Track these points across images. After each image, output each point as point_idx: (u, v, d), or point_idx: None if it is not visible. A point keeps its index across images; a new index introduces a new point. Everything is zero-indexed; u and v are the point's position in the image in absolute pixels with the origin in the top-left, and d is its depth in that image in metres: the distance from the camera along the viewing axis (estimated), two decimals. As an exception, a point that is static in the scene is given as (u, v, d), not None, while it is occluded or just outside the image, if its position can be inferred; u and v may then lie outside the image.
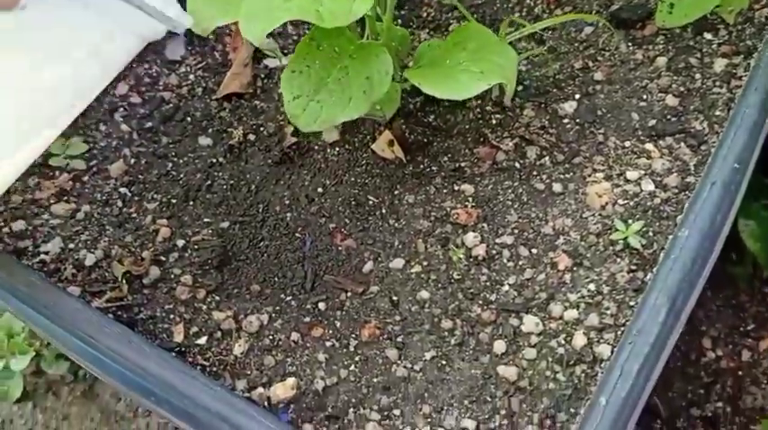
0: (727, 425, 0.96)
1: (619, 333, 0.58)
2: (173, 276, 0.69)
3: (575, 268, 0.64)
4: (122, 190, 0.76)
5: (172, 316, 0.67)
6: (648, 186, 0.68)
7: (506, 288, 0.65)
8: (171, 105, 0.82)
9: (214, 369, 0.63)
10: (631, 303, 0.60)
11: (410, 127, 0.78)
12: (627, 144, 0.72)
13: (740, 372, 1.00)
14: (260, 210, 0.74)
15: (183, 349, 0.64)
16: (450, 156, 0.75)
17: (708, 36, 0.78)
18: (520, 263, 0.66)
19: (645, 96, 0.76)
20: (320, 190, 0.75)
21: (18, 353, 1.14)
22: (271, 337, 0.65)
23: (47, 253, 0.71)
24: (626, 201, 0.68)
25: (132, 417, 1.09)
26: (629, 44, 0.80)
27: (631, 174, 0.69)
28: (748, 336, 1.02)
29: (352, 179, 0.75)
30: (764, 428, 0.94)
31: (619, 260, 0.63)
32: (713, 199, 0.59)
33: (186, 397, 0.56)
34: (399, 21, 0.85)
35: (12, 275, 0.65)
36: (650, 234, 0.64)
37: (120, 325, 0.61)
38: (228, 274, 0.70)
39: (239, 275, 0.70)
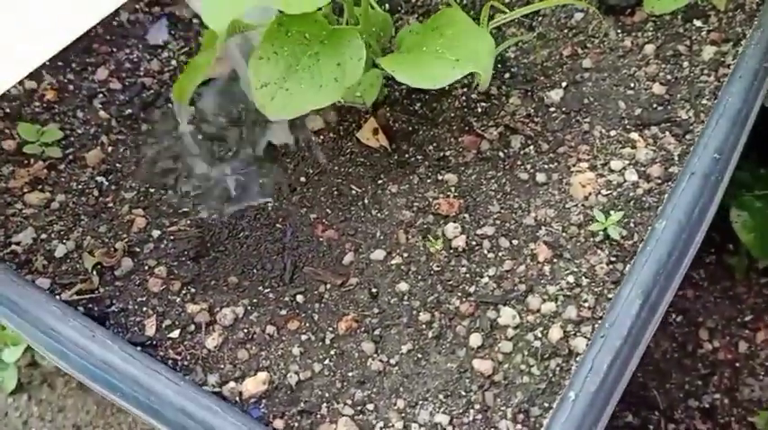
0: (725, 416, 0.96)
1: (596, 326, 0.56)
2: (146, 268, 0.68)
3: (555, 260, 0.63)
4: (99, 179, 0.75)
5: (144, 309, 0.66)
6: (632, 176, 0.66)
7: (486, 280, 0.63)
8: (152, 91, 0.81)
9: (186, 363, 0.62)
10: (610, 295, 0.58)
11: (395, 115, 0.76)
12: (612, 133, 0.71)
13: (737, 364, 0.99)
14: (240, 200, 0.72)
15: (155, 343, 0.63)
16: (435, 145, 0.74)
17: (697, 23, 0.76)
18: (500, 254, 0.64)
19: (632, 84, 0.74)
20: (303, 179, 0.73)
21: (11, 344, 1.14)
22: (245, 331, 0.64)
23: (18, 243, 0.70)
24: (609, 192, 0.66)
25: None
26: (619, 31, 0.79)
27: (615, 164, 0.68)
28: (745, 328, 1.01)
29: (336, 168, 0.73)
30: (762, 420, 0.93)
31: (599, 251, 0.62)
32: (692, 190, 0.58)
33: (152, 393, 0.55)
34: (387, 5, 0.84)
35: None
36: (631, 225, 0.63)
37: (85, 318, 0.60)
38: (205, 266, 0.68)
39: (216, 267, 0.68)
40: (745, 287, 1.04)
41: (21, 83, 0.81)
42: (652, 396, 0.97)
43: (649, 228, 0.61)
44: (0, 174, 0.74)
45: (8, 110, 0.79)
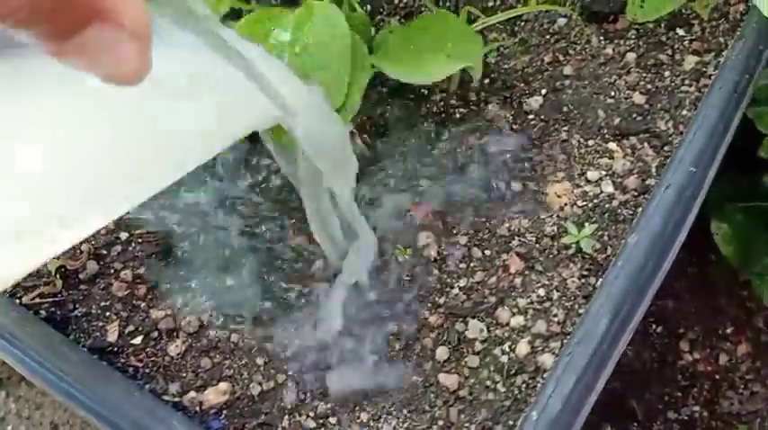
0: (704, 429, 0.94)
1: (564, 342, 0.55)
2: (112, 271, 0.67)
3: (526, 272, 0.61)
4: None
5: (108, 313, 0.64)
6: (608, 188, 0.65)
7: (456, 291, 0.62)
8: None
9: (147, 370, 0.60)
10: (581, 310, 0.57)
11: (374, 118, 0.75)
12: (590, 143, 0.69)
13: (717, 376, 0.98)
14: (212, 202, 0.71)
15: (117, 349, 0.62)
16: (411, 150, 0.72)
17: (680, 32, 0.75)
18: (471, 265, 0.63)
19: (613, 93, 0.72)
20: (278, 182, 0.72)
21: (-13, 342, 1.12)
22: (210, 338, 0.62)
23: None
24: (585, 203, 0.65)
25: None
26: (601, 38, 0.77)
27: (592, 175, 0.66)
28: (727, 340, 1.00)
29: (308, 171, 0.72)
30: (740, 434, 0.92)
31: (571, 265, 0.60)
32: (666, 204, 0.56)
33: (107, 402, 0.53)
34: (368, 6, 0.82)
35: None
36: (605, 238, 0.61)
37: (42, 323, 0.59)
38: (173, 270, 0.67)
39: (184, 271, 0.67)
40: (726, 299, 1.03)
41: None
42: (631, 407, 0.96)
43: (623, 241, 0.59)
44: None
45: None
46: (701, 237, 0.86)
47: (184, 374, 0.60)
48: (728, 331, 1.01)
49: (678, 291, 1.01)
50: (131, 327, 0.63)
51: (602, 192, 0.65)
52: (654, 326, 1.00)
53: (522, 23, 0.80)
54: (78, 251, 0.67)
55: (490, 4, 0.81)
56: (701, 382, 0.98)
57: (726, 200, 0.84)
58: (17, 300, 0.62)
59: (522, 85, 0.75)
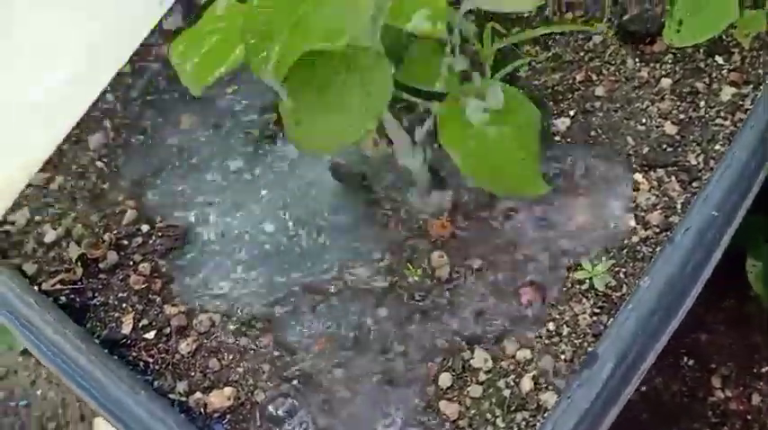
0: (732, 469, 0.92)
1: (568, 381, 0.55)
2: (131, 263, 0.68)
3: (538, 302, 0.61)
4: (99, 163, 0.74)
5: (124, 305, 0.65)
6: (630, 221, 0.64)
7: (466, 315, 0.62)
8: (161, 77, 0.80)
9: (157, 367, 0.62)
10: (589, 349, 0.57)
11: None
12: (616, 171, 0.68)
13: (749, 417, 0.94)
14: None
15: (130, 342, 0.63)
16: (437, 160, 0.71)
17: (719, 60, 0.73)
18: (484, 290, 0.63)
19: (644, 120, 0.71)
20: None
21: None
22: (220, 339, 0.63)
23: (13, 223, 0.70)
24: (604, 234, 0.64)
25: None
26: (637, 60, 0.76)
27: (614, 205, 0.65)
28: (760, 379, 0.97)
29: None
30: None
31: (584, 300, 0.60)
32: (684, 247, 0.55)
33: (112, 399, 0.55)
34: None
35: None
36: (621, 275, 0.61)
37: (59, 311, 0.60)
38: (189, 267, 0.68)
39: (200, 269, 0.68)
40: (762, 336, 0.99)
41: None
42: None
43: (638, 281, 0.59)
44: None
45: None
46: (739, 270, 0.83)
47: (192, 373, 0.62)
48: (763, 370, 0.97)
49: (712, 324, 0.98)
50: (145, 321, 0.64)
51: (622, 225, 0.64)
52: (685, 359, 0.96)
53: (557, 37, 0.78)
54: (100, 240, 0.69)
55: (525, 14, 0.79)
56: (731, 421, 0.94)
57: (762, 236, 0.82)
58: (36, 287, 0.64)
59: (552, 103, 0.74)
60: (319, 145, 0.55)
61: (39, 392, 1.20)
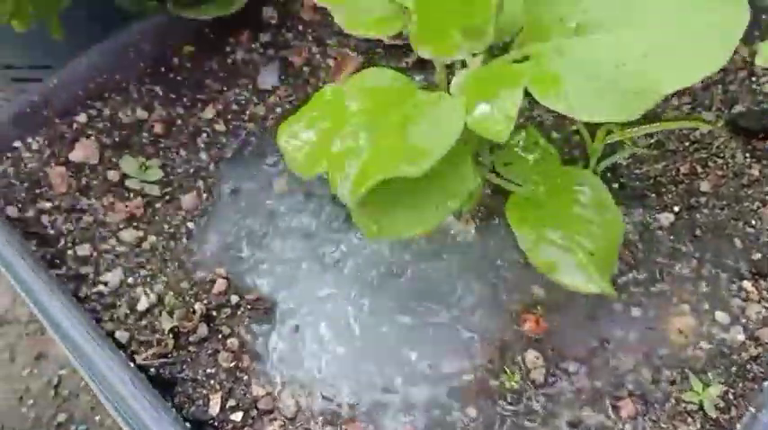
0: None
1: None
2: (220, 336, 0.68)
3: (638, 417, 0.58)
4: (190, 224, 0.75)
5: (212, 382, 0.65)
6: (738, 335, 0.61)
7: (559, 422, 0.60)
8: (254, 137, 0.81)
9: (244, 453, 0.61)
10: (696, 478, 0.54)
11: (483, 204, 0.73)
12: (723, 277, 0.65)
13: None
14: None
15: (217, 424, 0.63)
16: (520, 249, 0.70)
17: (840, 164, 0.69)
18: (580, 396, 0.61)
19: (754, 222, 0.68)
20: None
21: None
22: (305, 427, 0.63)
23: (106, 284, 0.71)
24: (710, 347, 0.61)
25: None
26: (747, 155, 0.73)
27: (721, 316, 0.63)
28: None
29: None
30: None
31: (690, 421, 0.57)
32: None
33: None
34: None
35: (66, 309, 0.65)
36: (730, 396, 0.58)
37: (152, 392, 0.60)
38: (277, 343, 0.68)
39: (288, 345, 0.67)
40: None
41: (133, 111, 0.83)
42: None
43: (751, 404, 0.56)
44: (101, 205, 0.75)
45: (117, 138, 0.80)
46: None
47: (278, 463, 0.61)
48: None
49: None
50: (233, 401, 0.64)
51: (730, 339, 0.61)
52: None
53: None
54: (191, 311, 0.69)
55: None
56: None
57: None
58: (131, 362, 0.64)
59: (654, 195, 0.72)
60: (391, 234, 0.55)
61: (98, 418, 1.22)
